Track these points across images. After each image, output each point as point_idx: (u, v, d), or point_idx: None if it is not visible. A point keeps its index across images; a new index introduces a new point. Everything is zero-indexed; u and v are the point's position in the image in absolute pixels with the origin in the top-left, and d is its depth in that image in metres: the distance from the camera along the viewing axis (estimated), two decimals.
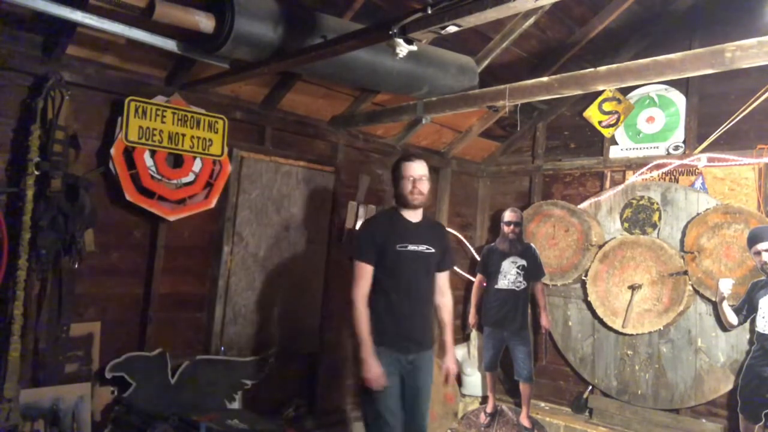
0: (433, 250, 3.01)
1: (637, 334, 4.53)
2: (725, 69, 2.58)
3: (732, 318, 3.78)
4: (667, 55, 2.72)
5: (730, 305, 3.81)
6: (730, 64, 2.53)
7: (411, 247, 2.93)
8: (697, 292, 4.29)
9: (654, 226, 4.57)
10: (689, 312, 4.35)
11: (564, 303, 5.03)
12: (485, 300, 4.92)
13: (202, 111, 3.55)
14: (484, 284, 4.99)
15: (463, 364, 5.38)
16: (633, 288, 4.52)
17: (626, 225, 4.73)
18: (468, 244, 5.59)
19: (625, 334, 4.60)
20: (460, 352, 5.46)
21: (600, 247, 4.76)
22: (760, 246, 3.62)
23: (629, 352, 4.62)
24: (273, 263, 4.08)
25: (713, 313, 4.23)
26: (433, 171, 5.39)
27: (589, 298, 4.77)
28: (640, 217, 4.65)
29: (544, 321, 4.87)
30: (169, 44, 3.00)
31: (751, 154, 4.18)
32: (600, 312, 4.69)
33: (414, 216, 3.02)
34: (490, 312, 4.83)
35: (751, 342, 3.93)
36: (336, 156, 4.52)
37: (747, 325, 3.90)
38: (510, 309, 4.72)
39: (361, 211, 4.66)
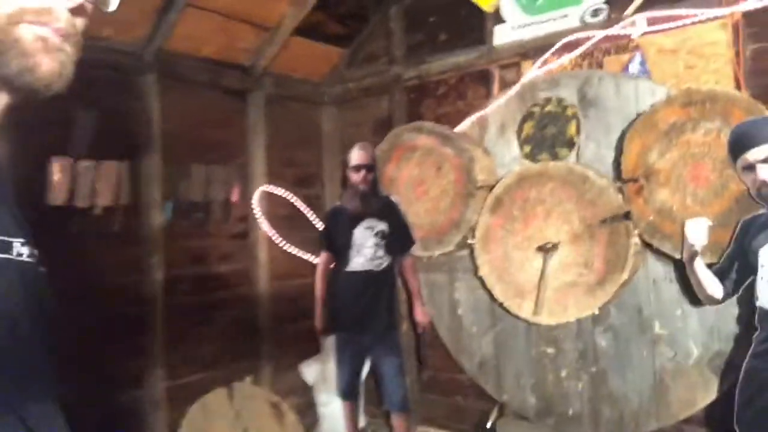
0: None
1: (559, 323, 2.79)
2: None
3: (711, 285, 2.13)
4: None
5: (706, 264, 2.12)
6: None
7: None
8: (648, 246, 2.57)
9: (570, 144, 2.82)
10: (637, 280, 2.64)
11: (449, 281, 3.24)
12: (335, 290, 3.15)
13: None
14: (332, 266, 3.18)
15: (317, 391, 3.57)
16: (545, 250, 2.76)
17: (527, 149, 2.95)
18: (310, 211, 3.69)
19: (540, 324, 2.86)
20: (313, 371, 3.62)
21: (491, 188, 2.96)
22: (752, 154, 1.90)
23: (549, 350, 2.90)
24: None
25: (677, 277, 2.54)
26: (236, 96, 3.44)
27: (480, 273, 2.99)
28: (547, 132, 2.88)
29: (419, 314, 3.14)
30: None
31: (719, 2, 2.46)
32: (498, 291, 2.92)
33: None
34: (342, 308, 3.11)
35: (747, 324, 2.24)
36: None
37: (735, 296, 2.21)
38: (370, 301, 3.04)
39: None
